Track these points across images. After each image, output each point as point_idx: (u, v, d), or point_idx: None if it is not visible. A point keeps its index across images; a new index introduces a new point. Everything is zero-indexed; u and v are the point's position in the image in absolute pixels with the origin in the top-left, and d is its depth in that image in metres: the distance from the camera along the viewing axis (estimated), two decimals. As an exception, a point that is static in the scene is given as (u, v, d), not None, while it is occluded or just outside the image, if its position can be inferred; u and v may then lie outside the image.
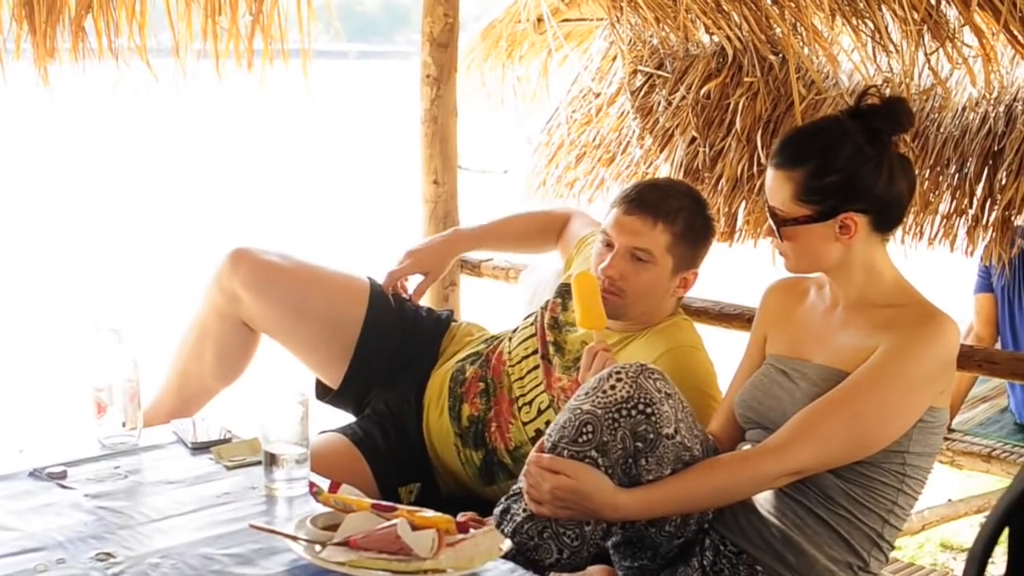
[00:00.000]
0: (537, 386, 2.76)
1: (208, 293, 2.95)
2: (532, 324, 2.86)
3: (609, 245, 2.63)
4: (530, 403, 2.75)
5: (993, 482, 4.46)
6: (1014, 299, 4.41)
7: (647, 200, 2.61)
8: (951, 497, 4.55)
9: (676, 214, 2.59)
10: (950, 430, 4.32)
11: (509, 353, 2.85)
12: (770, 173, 2.16)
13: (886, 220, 2.14)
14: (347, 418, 3.02)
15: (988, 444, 4.19)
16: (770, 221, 2.16)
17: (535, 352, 2.80)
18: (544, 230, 3.21)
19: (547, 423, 2.66)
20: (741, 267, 2.68)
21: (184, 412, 2.87)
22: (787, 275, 2.31)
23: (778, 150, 2.18)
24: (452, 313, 3.28)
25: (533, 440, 2.68)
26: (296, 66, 3.42)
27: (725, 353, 2.62)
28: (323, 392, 3.05)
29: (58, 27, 3.28)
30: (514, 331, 2.92)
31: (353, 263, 3.17)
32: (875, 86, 2.23)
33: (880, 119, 2.11)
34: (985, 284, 4.50)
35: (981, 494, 4.52)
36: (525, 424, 2.75)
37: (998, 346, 4.53)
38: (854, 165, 2.08)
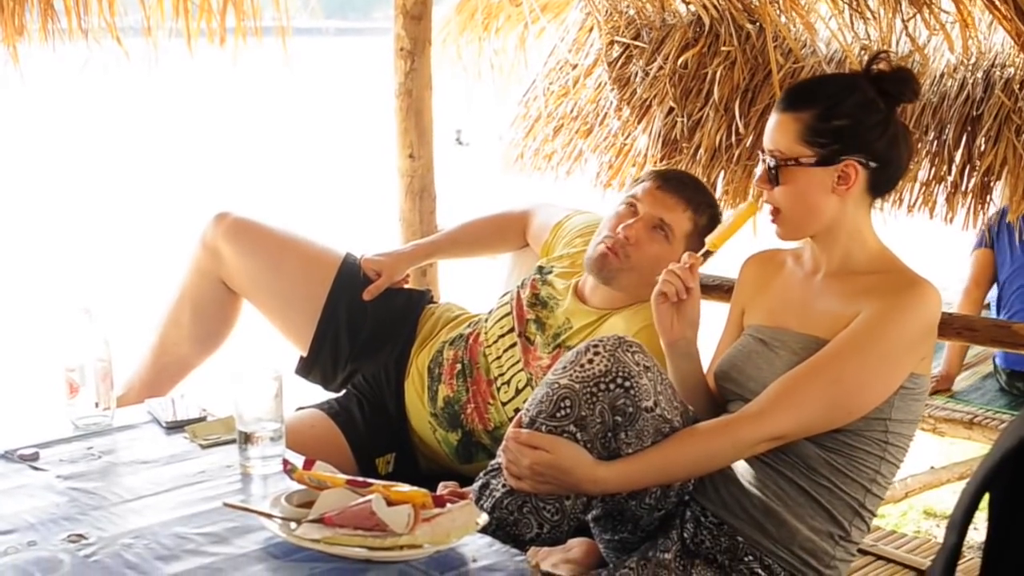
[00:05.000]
0: (515, 364, 2.75)
1: (191, 253, 3.00)
2: (508, 303, 2.86)
3: (633, 209, 2.68)
4: (508, 382, 2.75)
5: (975, 449, 4.48)
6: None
7: (685, 183, 2.73)
8: (933, 464, 4.56)
9: (704, 209, 2.69)
10: (952, 396, 4.34)
11: (486, 334, 2.84)
12: (774, 118, 2.14)
13: (882, 181, 2.13)
14: (325, 395, 3.02)
15: (970, 411, 4.20)
16: (766, 165, 2.12)
17: (512, 330, 2.79)
18: (503, 229, 3.21)
19: (526, 402, 2.65)
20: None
21: (159, 384, 2.89)
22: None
23: (786, 94, 2.18)
24: (430, 292, 3.27)
25: (512, 420, 2.68)
26: (270, 43, 3.38)
27: (704, 325, 2.61)
28: (299, 366, 3.05)
29: (27, 6, 3.23)
30: (490, 312, 2.91)
31: (332, 239, 3.17)
32: (885, 51, 2.23)
33: (892, 83, 2.12)
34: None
35: (963, 461, 4.53)
36: (504, 404, 2.74)
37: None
38: (862, 114, 2.08)
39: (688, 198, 2.67)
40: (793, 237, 2.20)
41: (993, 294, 4.59)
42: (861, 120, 2.08)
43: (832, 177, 2.08)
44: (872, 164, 2.08)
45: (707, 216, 2.68)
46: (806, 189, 2.10)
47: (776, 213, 2.15)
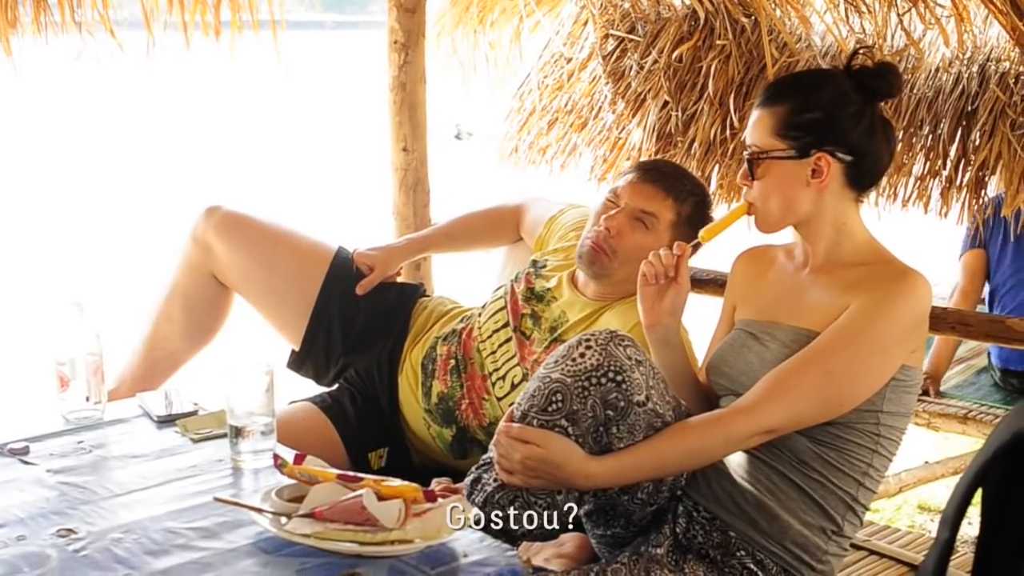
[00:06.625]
0: (510, 359, 2.74)
1: (182, 247, 2.99)
2: (501, 297, 2.85)
3: (614, 203, 2.68)
4: (503, 377, 2.74)
5: (969, 443, 4.47)
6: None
7: (665, 173, 2.72)
8: (927, 459, 4.56)
9: (688, 196, 2.68)
10: (941, 395, 4.33)
11: (479, 329, 2.83)
12: (753, 114, 2.16)
13: (860, 175, 2.12)
14: (317, 390, 3.02)
15: (964, 406, 4.20)
16: (745, 164, 2.14)
17: (506, 325, 2.78)
18: (497, 223, 3.21)
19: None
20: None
21: (151, 379, 2.88)
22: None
23: (764, 90, 2.19)
24: (423, 286, 3.26)
25: None
26: (266, 37, 3.37)
27: (697, 319, 2.61)
28: (291, 360, 3.05)
29: (19, -2, 3.22)
30: (483, 306, 2.90)
31: (326, 233, 3.16)
32: (867, 46, 2.23)
33: (872, 78, 2.12)
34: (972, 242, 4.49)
35: (957, 456, 4.53)
36: (499, 399, 2.73)
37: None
38: (835, 106, 2.08)
39: (668, 187, 2.67)
40: (769, 230, 2.19)
41: (984, 292, 4.58)
42: (834, 113, 2.08)
43: (806, 170, 2.09)
44: (846, 157, 2.08)
45: (691, 204, 2.68)
46: (781, 182, 2.11)
47: (755, 201, 2.15)
